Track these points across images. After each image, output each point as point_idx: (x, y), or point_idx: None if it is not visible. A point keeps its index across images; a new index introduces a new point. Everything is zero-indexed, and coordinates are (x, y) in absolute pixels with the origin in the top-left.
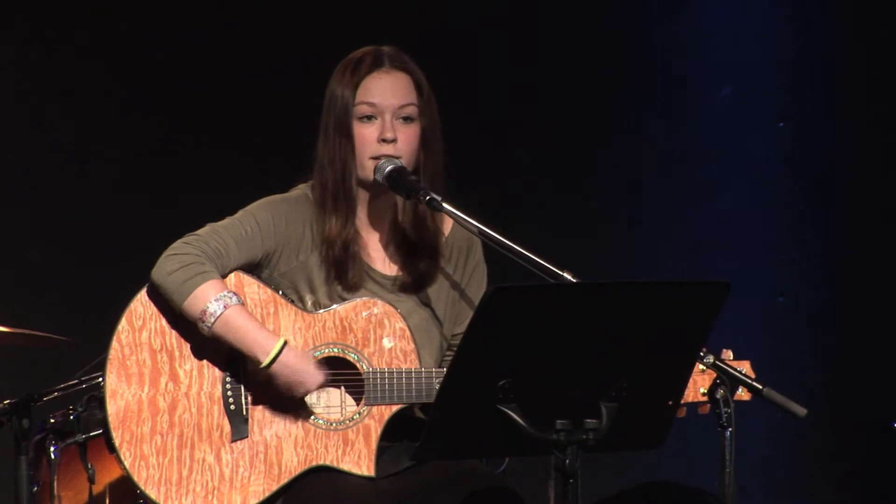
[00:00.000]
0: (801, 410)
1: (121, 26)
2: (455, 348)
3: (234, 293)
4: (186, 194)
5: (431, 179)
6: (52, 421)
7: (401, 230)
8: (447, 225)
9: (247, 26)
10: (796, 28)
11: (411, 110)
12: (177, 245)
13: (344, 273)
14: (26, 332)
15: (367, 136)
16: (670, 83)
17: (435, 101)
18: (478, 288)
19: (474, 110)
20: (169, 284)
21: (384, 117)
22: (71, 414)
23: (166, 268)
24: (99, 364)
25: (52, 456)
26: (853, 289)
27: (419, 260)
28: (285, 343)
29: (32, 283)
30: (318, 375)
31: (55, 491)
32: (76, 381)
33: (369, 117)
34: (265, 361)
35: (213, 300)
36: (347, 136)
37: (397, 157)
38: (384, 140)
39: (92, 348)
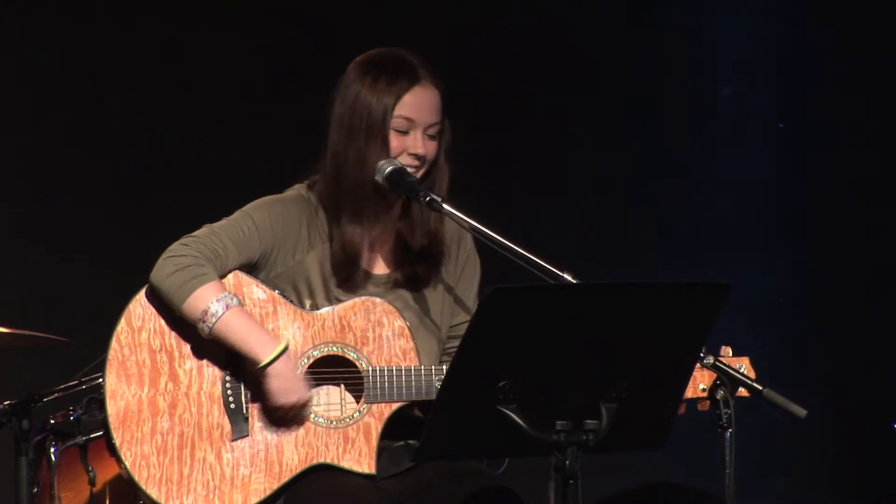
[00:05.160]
0: (801, 411)
1: (117, 27)
2: (453, 341)
3: (234, 295)
4: (184, 195)
5: (438, 192)
6: (52, 422)
7: (400, 232)
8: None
9: (247, 28)
10: (796, 28)
11: (437, 128)
12: (174, 247)
13: (347, 276)
14: (26, 332)
15: (395, 146)
16: (670, 84)
17: None
18: (471, 279)
19: (474, 110)
20: (168, 286)
21: (416, 132)
22: (71, 414)
23: (165, 270)
24: (99, 365)
25: (53, 457)
26: (853, 289)
27: (418, 261)
28: (286, 348)
29: (32, 283)
30: (305, 391)
31: (55, 492)
32: (76, 382)
33: (403, 130)
34: (265, 360)
35: (214, 301)
36: (383, 143)
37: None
38: (413, 154)
39: (92, 349)
